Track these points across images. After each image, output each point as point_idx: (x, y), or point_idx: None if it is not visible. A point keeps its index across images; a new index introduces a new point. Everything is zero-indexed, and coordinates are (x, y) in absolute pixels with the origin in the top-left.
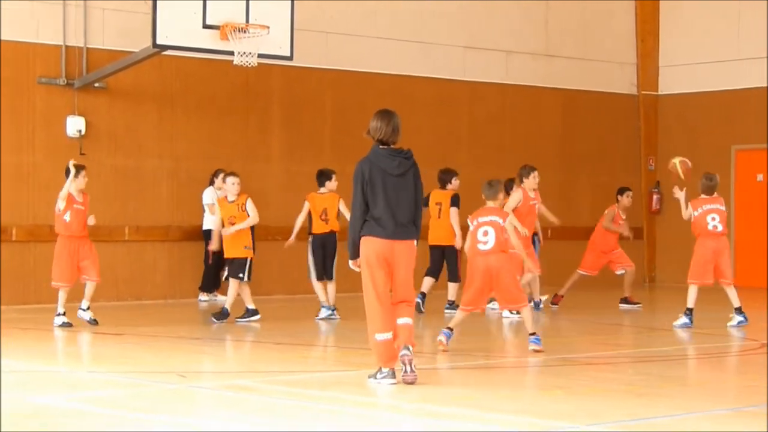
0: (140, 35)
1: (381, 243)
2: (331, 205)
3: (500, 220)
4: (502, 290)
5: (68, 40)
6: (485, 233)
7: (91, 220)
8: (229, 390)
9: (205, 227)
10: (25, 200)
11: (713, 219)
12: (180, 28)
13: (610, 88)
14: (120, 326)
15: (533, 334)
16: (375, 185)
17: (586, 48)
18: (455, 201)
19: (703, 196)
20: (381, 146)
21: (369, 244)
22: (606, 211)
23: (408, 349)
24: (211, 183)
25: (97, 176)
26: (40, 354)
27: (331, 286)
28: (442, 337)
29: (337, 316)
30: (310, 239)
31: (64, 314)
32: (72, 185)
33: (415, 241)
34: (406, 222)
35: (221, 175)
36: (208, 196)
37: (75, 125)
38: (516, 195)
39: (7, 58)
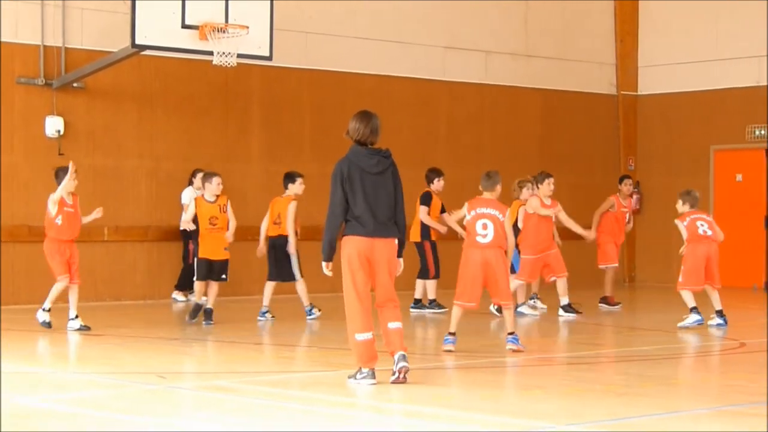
0: (119, 35)
1: (362, 241)
2: (284, 209)
3: (500, 215)
4: (494, 285)
5: (47, 40)
6: (484, 226)
7: (99, 213)
8: (208, 390)
9: (183, 227)
10: (3, 200)
11: (701, 225)
12: (159, 28)
13: (590, 88)
14: (100, 327)
15: (512, 333)
16: (354, 184)
17: (566, 48)
18: (423, 199)
19: (688, 209)
20: (359, 146)
21: (350, 243)
22: (605, 202)
23: (404, 359)
24: (190, 183)
25: (76, 176)
26: (19, 355)
27: (301, 286)
28: (449, 347)
29: (315, 314)
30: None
31: (49, 310)
32: (64, 189)
33: (396, 240)
34: (386, 220)
35: (199, 175)
36: (187, 196)
37: (54, 125)
38: (533, 202)
39: None
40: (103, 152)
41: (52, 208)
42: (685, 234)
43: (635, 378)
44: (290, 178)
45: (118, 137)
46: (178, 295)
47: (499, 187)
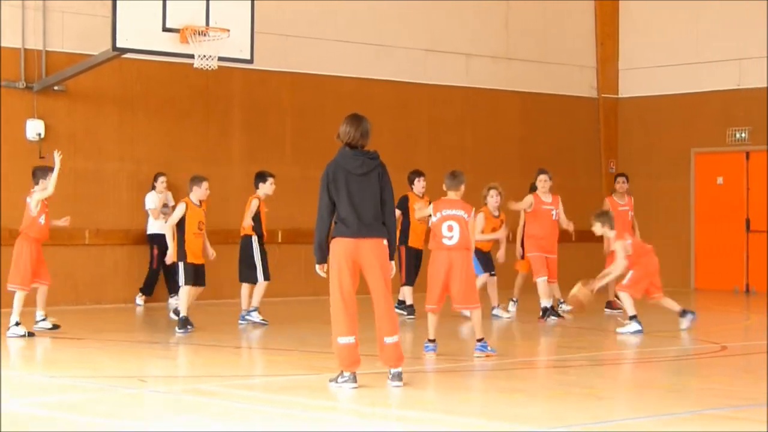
0: (100, 38)
1: (347, 242)
2: (246, 209)
3: (465, 215)
4: (457, 288)
5: (27, 43)
6: (450, 228)
7: (66, 221)
8: (188, 394)
9: (150, 231)
10: None
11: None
12: (140, 31)
13: (570, 91)
14: (80, 330)
15: (480, 339)
16: (338, 185)
17: (546, 51)
18: (398, 204)
19: (609, 229)
20: (348, 148)
21: (336, 245)
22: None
23: (399, 378)
24: (153, 187)
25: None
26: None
27: (259, 288)
28: (430, 354)
29: (256, 319)
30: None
31: (19, 324)
32: (52, 185)
33: (384, 240)
34: (372, 221)
35: (162, 179)
36: (151, 201)
37: (34, 128)
38: (527, 198)
39: None
40: (83, 155)
41: (35, 207)
42: (624, 254)
43: (616, 381)
44: (261, 177)
45: (98, 140)
46: (141, 300)
47: (463, 187)
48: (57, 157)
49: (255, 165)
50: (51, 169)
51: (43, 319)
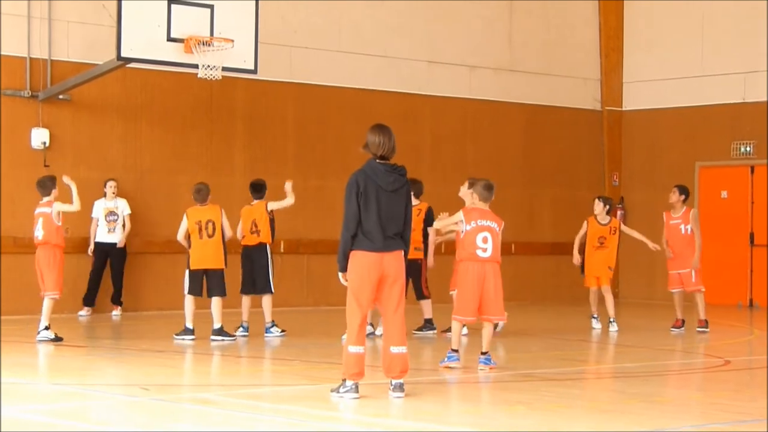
0: (105, 48)
1: (371, 256)
2: (259, 215)
3: (497, 227)
4: (490, 300)
5: (33, 52)
6: (485, 239)
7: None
8: (191, 403)
9: (98, 239)
10: None
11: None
12: (144, 41)
13: (574, 103)
14: (84, 338)
15: (485, 353)
16: (368, 199)
17: (550, 63)
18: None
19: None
20: (378, 161)
21: (359, 259)
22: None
23: (401, 389)
24: (104, 194)
25: (61, 188)
26: (4, 366)
27: (267, 300)
28: (453, 364)
29: (276, 332)
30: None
31: (48, 328)
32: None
33: (402, 252)
34: (394, 235)
35: (111, 183)
36: (99, 208)
37: (39, 137)
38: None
39: None
40: (88, 165)
41: (57, 217)
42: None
43: (619, 395)
44: (256, 188)
45: (103, 149)
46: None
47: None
48: (69, 180)
49: (257, 175)
50: (53, 179)
51: (46, 329)
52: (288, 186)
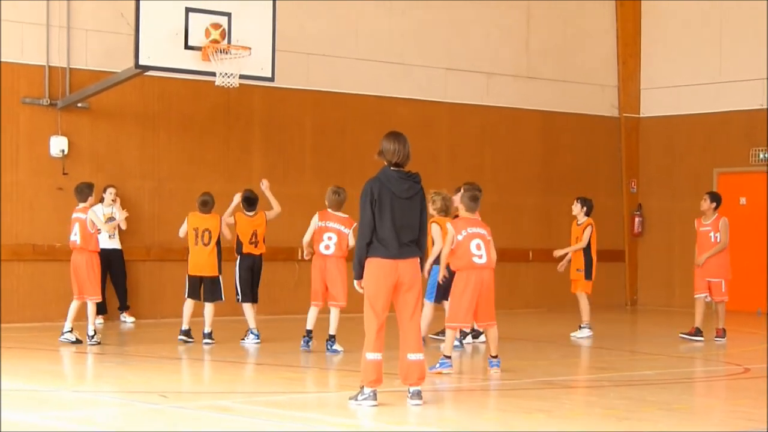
0: (123, 56)
1: (387, 263)
2: (260, 225)
3: (488, 235)
4: (486, 306)
5: (52, 61)
6: (478, 246)
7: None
8: (210, 410)
9: (102, 246)
10: (8, 219)
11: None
12: (162, 49)
13: (592, 110)
14: (102, 345)
15: (495, 356)
16: (383, 206)
17: (567, 70)
18: None
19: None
20: (392, 168)
21: (375, 266)
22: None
23: (419, 396)
24: (102, 200)
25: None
26: (22, 373)
27: (253, 309)
28: (446, 369)
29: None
30: (238, 260)
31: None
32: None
33: (418, 259)
34: (409, 242)
35: (111, 190)
36: (98, 214)
37: (58, 145)
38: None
39: None
40: (106, 172)
41: (90, 225)
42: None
43: (637, 403)
44: (256, 202)
45: (121, 157)
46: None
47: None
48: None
49: (275, 183)
50: (91, 186)
51: (70, 331)
52: (265, 186)
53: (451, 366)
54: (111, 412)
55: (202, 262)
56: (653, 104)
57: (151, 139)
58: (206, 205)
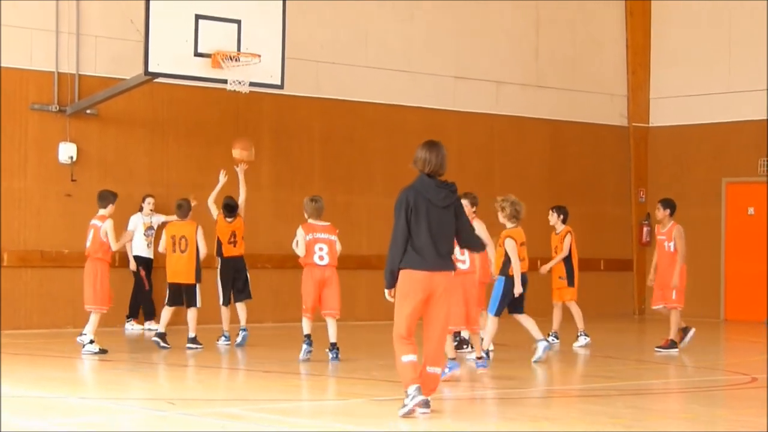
0: (132, 63)
1: (422, 275)
2: (239, 228)
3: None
4: (474, 311)
5: (61, 67)
6: (462, 251)
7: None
8: (217, 417)
9: (135, 253)
10: (16, 226)
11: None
12: (172, 56)
13: (600, 119)
14: (109, 352)
15: (481, 357)
16: (419, 215)
17: (576, 79)
18: None
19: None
20: (428, 177)
21: (409, 277)
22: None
23: (427, 405)
24: (140, 209)
25: (87, 202)
26: (31, 380)
27: (246, 306)
28: (456, 370)
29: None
30: (219, 263)
31: (93, 342)
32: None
33: (452, 273)
34: (446, 254)
35: (149, 200)
36: (134, 222)
37: (67, 151)
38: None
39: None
40: (114, 179)
41: (104, 235)
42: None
43: (644, 412)
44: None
45: (129, 164)
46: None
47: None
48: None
49: (283, 190)
50: (114, 195)
51: (91, 342)
52: (240, 168)
53: (458, 365)
54: (118, 419)
55: (179, 269)
56: (662, 114)
57: (160, 145)
58: (181, 208)
